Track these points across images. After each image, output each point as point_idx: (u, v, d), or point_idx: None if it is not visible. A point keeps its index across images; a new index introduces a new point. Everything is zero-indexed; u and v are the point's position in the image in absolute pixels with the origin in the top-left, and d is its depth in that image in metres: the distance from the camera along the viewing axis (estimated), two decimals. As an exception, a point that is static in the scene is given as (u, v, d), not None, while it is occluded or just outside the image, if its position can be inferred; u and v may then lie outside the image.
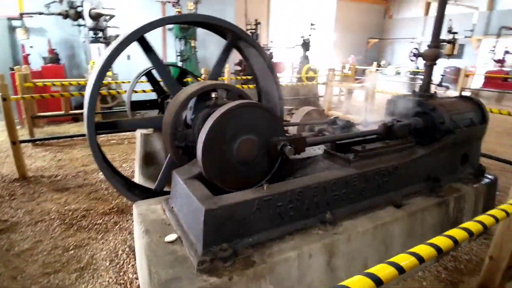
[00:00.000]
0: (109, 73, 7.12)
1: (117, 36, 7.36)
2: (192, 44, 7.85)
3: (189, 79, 6.67)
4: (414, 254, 0.95)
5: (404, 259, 0.93)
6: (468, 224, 1.14)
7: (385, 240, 2.27)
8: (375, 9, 21.83)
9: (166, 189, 3.26)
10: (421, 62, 17.21)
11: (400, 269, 0.90)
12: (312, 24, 9.82)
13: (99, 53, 6.98)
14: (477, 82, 15.16)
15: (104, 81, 6.40)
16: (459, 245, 0.99)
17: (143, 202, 2.33)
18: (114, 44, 2.32)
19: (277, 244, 1.87)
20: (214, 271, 1.64)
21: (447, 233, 1.09)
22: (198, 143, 1.90)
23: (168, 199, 2.28)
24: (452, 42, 5.52)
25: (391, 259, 0.93)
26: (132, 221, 3.24)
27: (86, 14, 6.75)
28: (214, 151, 1.88)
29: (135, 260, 2.64)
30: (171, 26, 8.01)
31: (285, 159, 2.15)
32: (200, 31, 8.56)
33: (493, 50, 13.87)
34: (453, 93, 11.72)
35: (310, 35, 9.84)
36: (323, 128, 3.20)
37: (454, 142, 2.86)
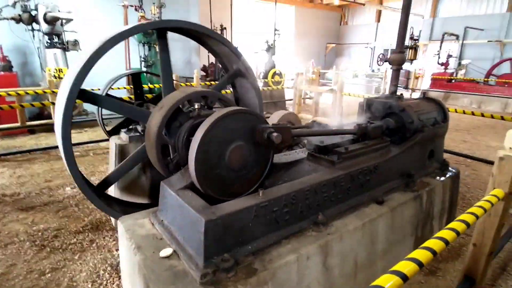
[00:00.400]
0: (67, 81, 6.65)
1: (75, 41, 6.93)
2: (157, 49, 7.61)
3: (155, 85, 6.47)
4: (428, 249, 1.02)
5: (422, 254, 0.98)
6: (464, 216, 1.25)
7: (371, 235, 2.38)
8: (331, 16, 22.94)
9: (138, 200, 3.14)
10: (375, 66, 18.38)
11: (419, 264, 0.95)
12: (276, 30, 10.05)
13: (55, 59, 6.50)
14: (425, 83, 16.54)
15: (57, 90, 5.98)
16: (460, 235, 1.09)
17: (129, 217, 2.21)
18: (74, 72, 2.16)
19: (275, 249, 1.88)
20: (218, 283, 1.60)
21: (449, 226, 1.18)
22: (189, 159, 1.84)
23: (156, 212, 2.19)
24: (414, 47, 6.01)
25: (411, 255, 0.99)
26: (110, 238, 3.07)
27: (41, 18, 6.24)
28: (207, 165, 1.84)
29: (119, 279, 2.50)
30: (133, 31, 7.69)
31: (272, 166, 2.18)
32: (164, 36, 8.33)
33: (438, 54, 15.21)
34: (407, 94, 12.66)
35: (274, 40, 10.06)
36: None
37: (422, 140, 3.08)
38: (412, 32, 8.50)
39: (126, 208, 2.78)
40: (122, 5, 7.44)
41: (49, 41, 6.51)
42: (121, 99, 3.74)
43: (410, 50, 5.72)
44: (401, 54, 3.42)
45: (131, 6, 7.48)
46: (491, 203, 1.36)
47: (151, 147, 2.20)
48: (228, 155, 1.92)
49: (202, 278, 1.59)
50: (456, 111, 4.42)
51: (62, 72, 6.43)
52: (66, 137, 2.15)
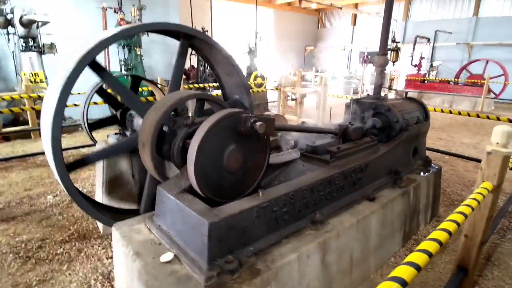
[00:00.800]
0: (43, 85, 6.39)
1: (51, 44, 6.66)
2: (138, 52, 7.46)
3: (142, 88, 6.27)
4: (435, 240, 1.07)
5: (431, 245, 1.03)
6: (461, 209, 1.32)
7: (365, 232, 2.45)
8: (309, 19, 23.38)
9: (127, 206, 3.07)
10: (353, 68, 18.91)
11: (429, 254, 1.00)
12: (257, 33, 10.13)
13: (30, 63, 6.21)
14: (400, 84, 17.19)
15: (33, 94, 5.74)
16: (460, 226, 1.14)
17: (124, 223, 2.15)
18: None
19: (276, 249, 1.90)
20: (223, 285, 1.60)
21: (449, 218, 1.24)
22: (188, 169, 1.82)
23: (152, 217, 2.15)
24: (395, 50, 6.27)
25: (421, 247, 1.04)
26: (99, 246, 2.97)
27: (16, 21, 5.93)
28: (206, 169, 1.83)
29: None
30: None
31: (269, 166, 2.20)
32: (145, 39, 8.17)
33: (411, 56, 15.87)
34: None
35: (256, 43, 10.12)
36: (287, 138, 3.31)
37: (407, 138, 3.21)
38: (394, 35, 8.86)
39: (115, 215, 2.72)
40: (101, 7, 7.23)
41: (24, 45, 6.21)
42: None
43: (392, 52, 5.98)
44: (384, 56, 3.55)
45: (110, 8, 7.29)
46: (482, 195, 1.45)
47: (157, 178, 2.25)
48: (226, 159, 1.92)
49: (207, 281, 1.58)
50: (435, 110, 4.63)
51: (38, 76, 6.16)
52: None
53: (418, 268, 0.94)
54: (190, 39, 2.86)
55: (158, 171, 2.17)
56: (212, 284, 1.58)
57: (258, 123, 1.84)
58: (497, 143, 1.57)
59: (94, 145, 3.43)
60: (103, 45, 2.24)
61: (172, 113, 2.35)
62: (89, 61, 2.19)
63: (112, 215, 2.62)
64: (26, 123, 6.06)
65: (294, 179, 2.28)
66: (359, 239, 2.39)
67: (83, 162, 2.44)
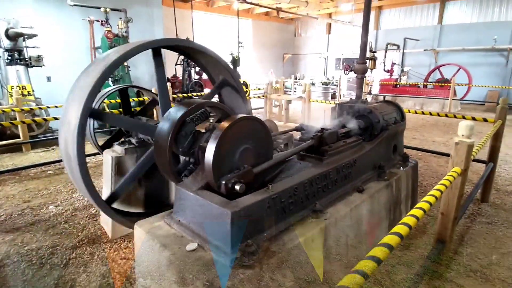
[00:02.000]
0: (31, 97, 6.36)
1: (38, 56, 6.67)
2: (125, 64, 7.58)
3: (144, 98, 6.40)
4: (397, 234, 1.38)
5: (392, 239, 1.31)
6: (438, 187, 1.66)
7: (357, 219, 2.78)
8: (286, 28, 24.14)
9: (134, 210, 3.24)
10: (330, 74, 19.70)
11: (390, 248, 1.27)
12: (240, 42, 10.49)
13: (17, 76, 6.19)
14: (375, 89, 18.10)
15: (26, 108, 5.76)
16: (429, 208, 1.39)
17: (144, 221, 2.36)
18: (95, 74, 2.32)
19: (286, 234, 2.18)
20: (245, 265, 1.85)
21: (430, 193, 1.57)
22: (206, 166, 2.07)
23: (170, 214, 2.37)
24: (373, 58, 6.79)
25: (383, 241, 1.32)
26: (110, 249, 3.13)
27: (2, 35, 5.92)
28: (222, 167, 2.09)
29: (131, 285, 2.60)
30: (98, 44, 7.59)
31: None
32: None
33: (383, 62, 16.82)
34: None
35: (238, 52, 10.47)
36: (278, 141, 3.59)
37: (388, 136, 3.61)
38: (371, 46, 9.53)
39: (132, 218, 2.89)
40: (88, 19, 7.31)
41: (9, 58, 6.19)
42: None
43: (370, 60, 6.49)
44: (363, 64, 3.97)
45: (97, 21, 7.38)
46: (453, 177, 1.80)
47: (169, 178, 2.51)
48: (238, 158, 2.19)
49: (232, 262, 1.83)
50: (409, 111, 5.12)
51: (25, 89, 6.14)
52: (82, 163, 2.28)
53: (378, 261, 1.21)
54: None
55: (172, 168, 2.38)
56: (236, 265, 1.83)
57: (238, 186, 2.00)
58: (463, 135, 1.94)
59: (100, 153, 3.57)
60: (165, 41, 2.59)
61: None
62: (150, 48, 2.51)
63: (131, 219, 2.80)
64: (15, 136, 6.01)
65: (294, 175, 2.58)
66: (353, 225, 2.72)
67: (101, 116, 2.61)
